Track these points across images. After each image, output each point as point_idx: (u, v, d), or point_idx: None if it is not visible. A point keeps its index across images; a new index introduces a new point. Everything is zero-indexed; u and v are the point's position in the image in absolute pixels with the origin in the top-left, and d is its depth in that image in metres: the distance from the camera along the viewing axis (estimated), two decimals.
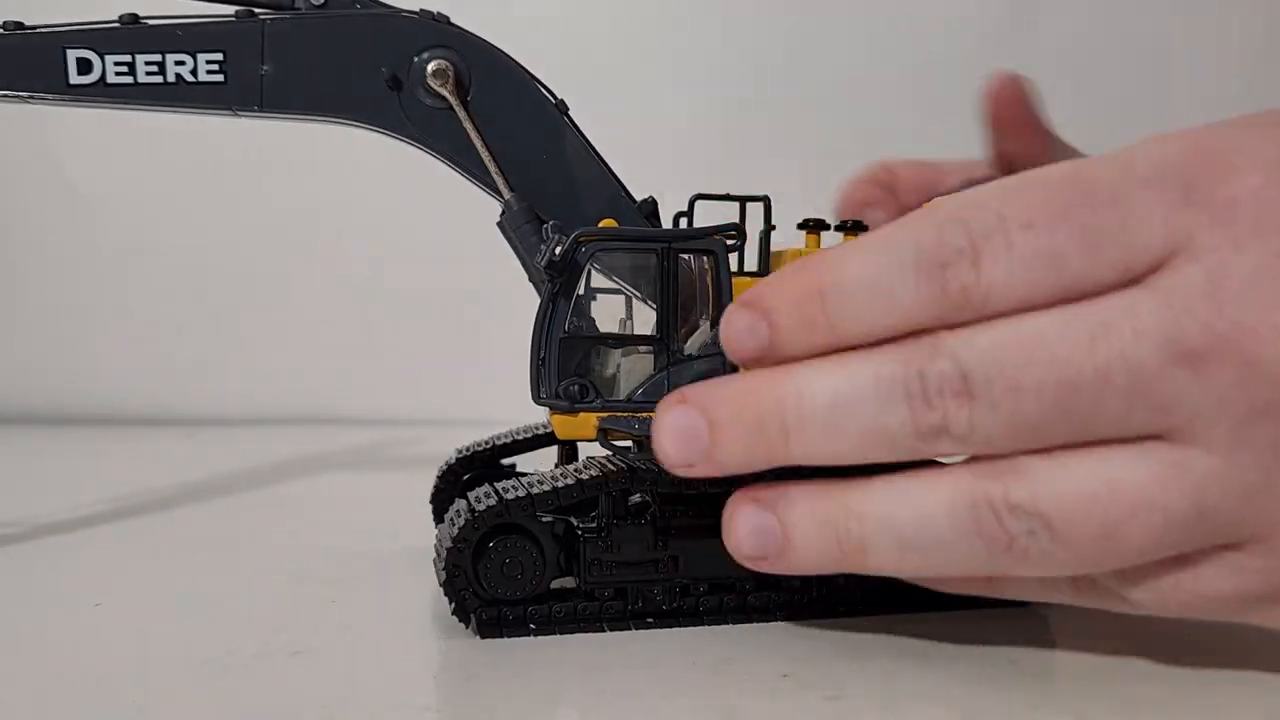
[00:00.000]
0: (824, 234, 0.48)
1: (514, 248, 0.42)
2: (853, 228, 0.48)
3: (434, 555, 0.41)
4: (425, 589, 0.44)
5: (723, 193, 0.50)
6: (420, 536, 0.51)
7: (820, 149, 0.85)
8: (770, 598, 0.40)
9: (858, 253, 0.30)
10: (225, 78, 0.42)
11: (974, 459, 0.30)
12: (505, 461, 0.53)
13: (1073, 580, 0.33)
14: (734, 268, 0.50)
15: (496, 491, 0.39)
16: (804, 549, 0.32)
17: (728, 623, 0.40)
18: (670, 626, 0.40)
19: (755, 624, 0.40)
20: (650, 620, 0.40)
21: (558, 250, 0.37)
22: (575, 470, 0.39)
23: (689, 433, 0.31)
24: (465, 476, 0.52)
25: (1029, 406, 0.29)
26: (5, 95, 0.43)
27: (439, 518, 0.51)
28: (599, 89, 0.91)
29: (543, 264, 0.37)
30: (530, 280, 0.42)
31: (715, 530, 0.39)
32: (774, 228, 0.50)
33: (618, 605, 0.39)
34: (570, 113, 0.44)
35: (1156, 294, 0.29)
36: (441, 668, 0.36)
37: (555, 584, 0.40)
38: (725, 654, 0.37)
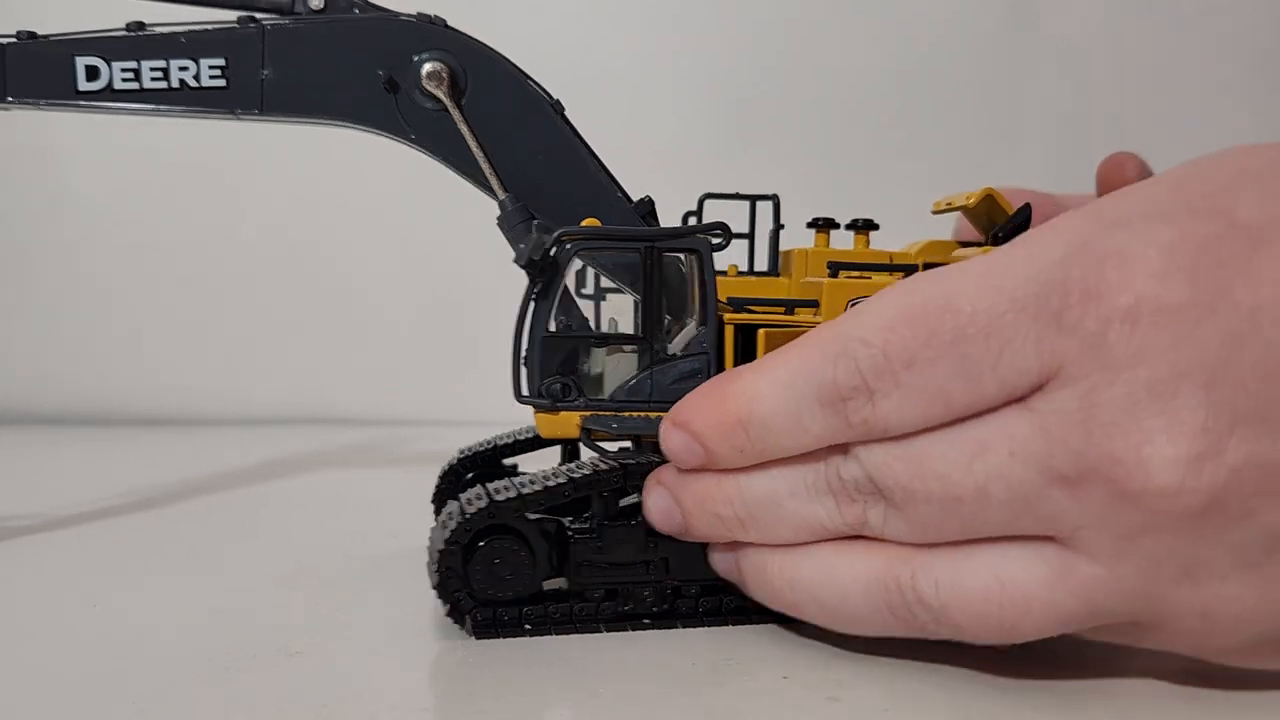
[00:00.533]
0: (833, 232, 0.48)
1: (512, 247, 0.42)
2: (863, 226, 0.48)
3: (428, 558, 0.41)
4: (424, 589, 0.44)
5: (732, 191, 0.50)
6: (420, 537, 0.51)
7: (825, 148, 0.85)
8: None
9: (769, 385, 0.34)
10: (227, 82, 0.43)
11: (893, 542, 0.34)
12: (507, 462, 0.54)
13: None
14: (744, 267, 0.50)
15: (487, 493, 0.39)
16: (756, 594, 0.38)
17: (726, 624, 0.40)
18: (665, 628, 0.40)
19: (755, 626, 0.40)
20: (646, 621, 0.40)
21: (536, 250, 0.37)
22: (568, 470, 0.39)
23: (668, 513, 0.37)
24: (468, 476, 0.53)
25: (923, 511, 0.32)
26: (22, 103, 0.44)
27: None
28: (602, 89, 0.91)
29: (521, 263, 0.37)
30: None
31: None
32: (783, 226, 0.50)
33: (612, 606, 0.39)
34: (565, 113, 0.44)
35: (1033, 417, 0.30)
36: (440, 668, 0.36)
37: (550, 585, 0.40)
38: (725, 655, 0.37)
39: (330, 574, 0.48)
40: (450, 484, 0.52)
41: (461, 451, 0.53)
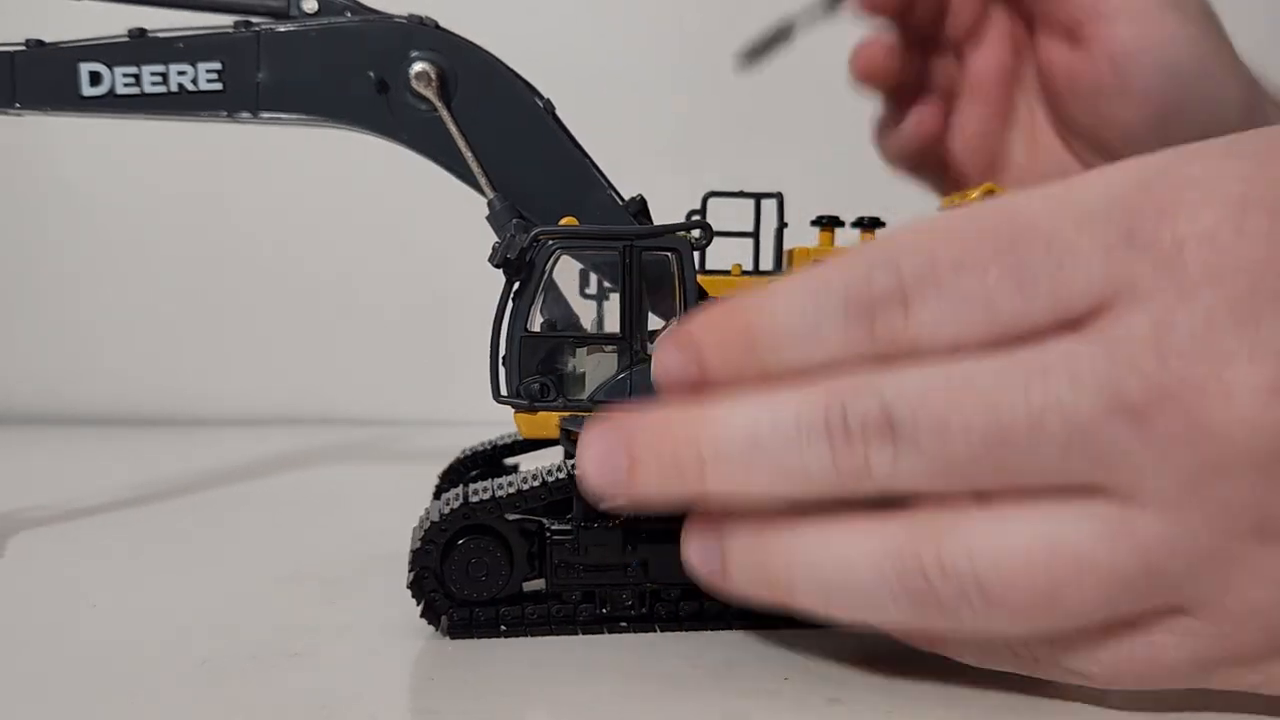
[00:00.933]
0: (838, 230, 0.47)
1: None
2: (869, 225, 0.47)
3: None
4: None
5: (737, 190, 0.50)
6: None
7: (832, 146, 0.84)
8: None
9: (789, 292, 0.30)
10: (223, 86, 0.43)
11: (908, 510, 0.29)
12: (508, 461, 0.54)
13: (1014, 652, 0.32)
14: (749, 266, 0.49)
15: (464, 494, 0.39)
16: (740, 581, 0.32)
17: (706, 629, 0.40)
18: (645, 631, 0.39)
19: (757, 628, 0.39)
20: (623, 625, 0.39)
21: (512, 249, 0.36)
22: (544, 472, 0.39)
23: (608, 460, 0.31)
24: (471, 474, 0.53)
25: (957, 449, 0.27)
26: (30, 110, 0.45)
27: None
28: (604, 88, 0.91)
29: (495, 263, 0.37)
30: None
31: None
32: (786, 225, 0.49)
33: (590, 608, 0.39)
34: (556, 112, 0.44)
35: (1097, 342, 0.27)
36: (441, 668, 0.36)
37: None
38: (727, 657, 0.37)
39: (330, 574, 0.48)
40: (451, 484, 0.52)
41: (464, 452, 0.53)
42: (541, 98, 0.43)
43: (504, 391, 0.38)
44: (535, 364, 0.38)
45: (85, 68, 0.44)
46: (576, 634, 0.39)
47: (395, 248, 1.02)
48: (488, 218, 0.42)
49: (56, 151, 1.00)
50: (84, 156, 1.00)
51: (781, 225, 0.49)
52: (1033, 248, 0.27)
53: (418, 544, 0.38)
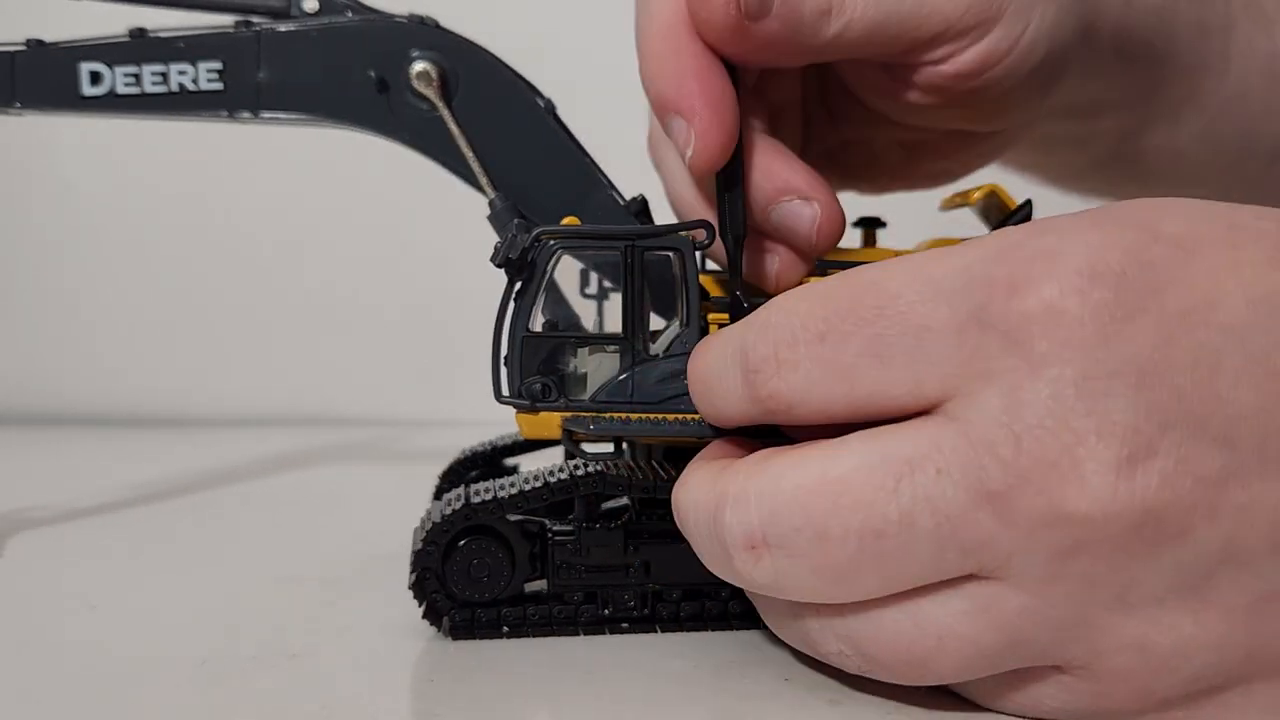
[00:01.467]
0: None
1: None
2: (870, 224, 0.47)
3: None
4: None
5: None
6: None
7: None
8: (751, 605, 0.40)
9: (711, 349, 0.34)
10: (224, 85, 0.43)
11: None
12: (509, 462, 0.54)
13: None
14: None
15: (466, 495, 0.39)
16: None
17: (707, 629, 0.40)
18: (647, 632, 0.39)
19: (756, 630, 0.39)
20: (625, 626, 0.39)
21: (513, 249, 0.36)
22: (545, 472, 0.39)
23: None
24: (470, 475, 0.53)
25: (836, 554, 0.28)
26: (31, 110, 0.45)
27: None
28: (606, 87, 0.91)
29: (496, 263, 0.37)
30: None
31: None
32: None
33: (592, 609, 0.39)
34: (557, 112, 0.44)
35: (957, 425, 0.28)
36: (442, 669, 0.36)
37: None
38: (727, 658, 0.37)
39: (330, 574, 0.48)
40: (451, 484, 0.52)
41: (464, 452, 0.53)
42: (543, 97, 0.43)
43: (505, 392, 0.38)
44: (537, 364, 0.38)
45: (85, 67, 0.44)
46: (578, 635, 0.39)
47: (395, 248, 1.01)
48: (489, 217, 0.42)
49: (56, 151, 1.00)
50: (83, 156, 1.00)
51: None
52: (891, 322, 0.28)
53: (419, 545, 0.38)
